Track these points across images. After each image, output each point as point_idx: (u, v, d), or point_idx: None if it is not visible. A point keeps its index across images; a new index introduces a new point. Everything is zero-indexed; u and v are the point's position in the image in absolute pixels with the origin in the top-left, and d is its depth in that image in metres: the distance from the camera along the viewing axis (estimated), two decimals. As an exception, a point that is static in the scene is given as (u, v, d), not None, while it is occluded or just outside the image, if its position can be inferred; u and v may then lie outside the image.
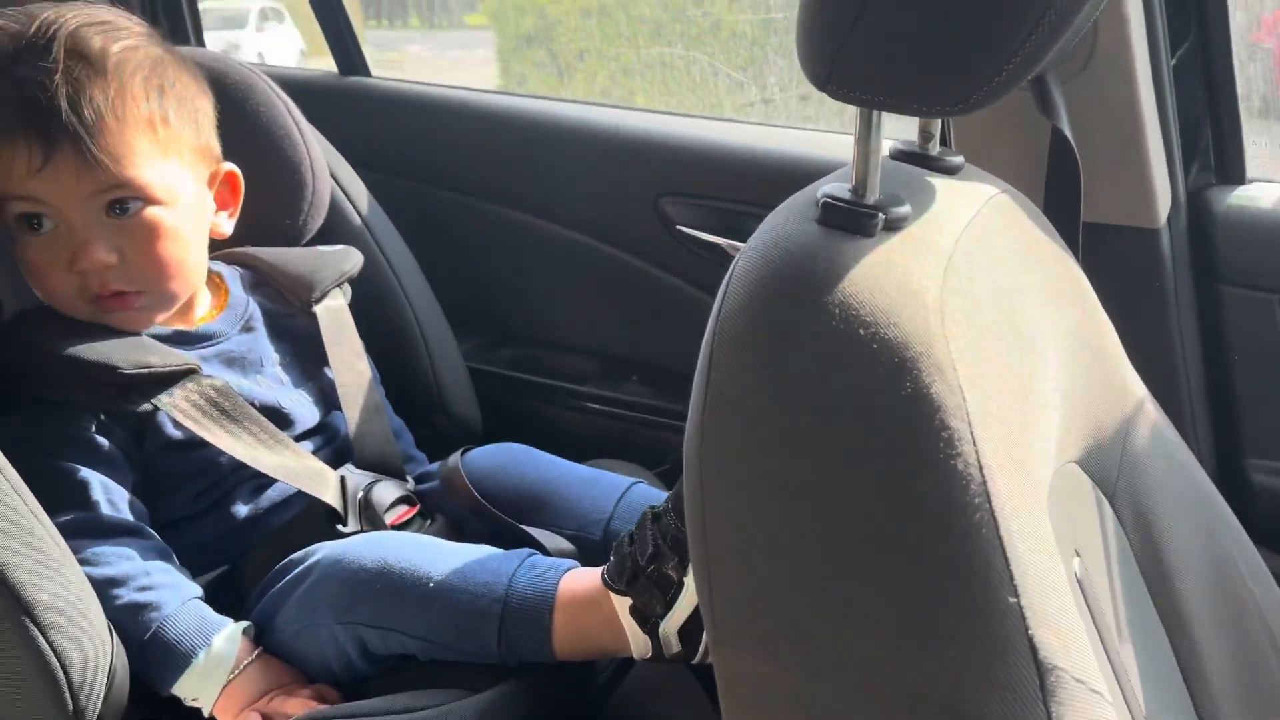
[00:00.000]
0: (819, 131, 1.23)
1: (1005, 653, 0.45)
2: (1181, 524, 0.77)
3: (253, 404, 0.92)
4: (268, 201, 1.07)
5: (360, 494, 0.94)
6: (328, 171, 1.12)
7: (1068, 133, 0.88)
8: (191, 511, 0.91)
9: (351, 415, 1.00)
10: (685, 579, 0.76)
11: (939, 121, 0.72)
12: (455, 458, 1.01)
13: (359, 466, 0.98)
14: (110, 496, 0.85)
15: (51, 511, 0.78)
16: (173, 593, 0.83)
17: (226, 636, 0.83)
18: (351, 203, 1.16)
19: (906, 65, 0.52)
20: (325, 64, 1.50)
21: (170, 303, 0.91)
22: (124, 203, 0.86)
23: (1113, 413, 0.78)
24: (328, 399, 1.00)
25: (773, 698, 0.51)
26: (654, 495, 0.95)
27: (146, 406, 0.86)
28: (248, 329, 0.98)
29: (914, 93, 0.53)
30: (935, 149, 0.72)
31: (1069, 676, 0.46)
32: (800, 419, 0.49)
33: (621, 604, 0.79)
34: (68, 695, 0.74)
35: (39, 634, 0.72)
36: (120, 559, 0.83)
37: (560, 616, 0.80)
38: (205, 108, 0.95)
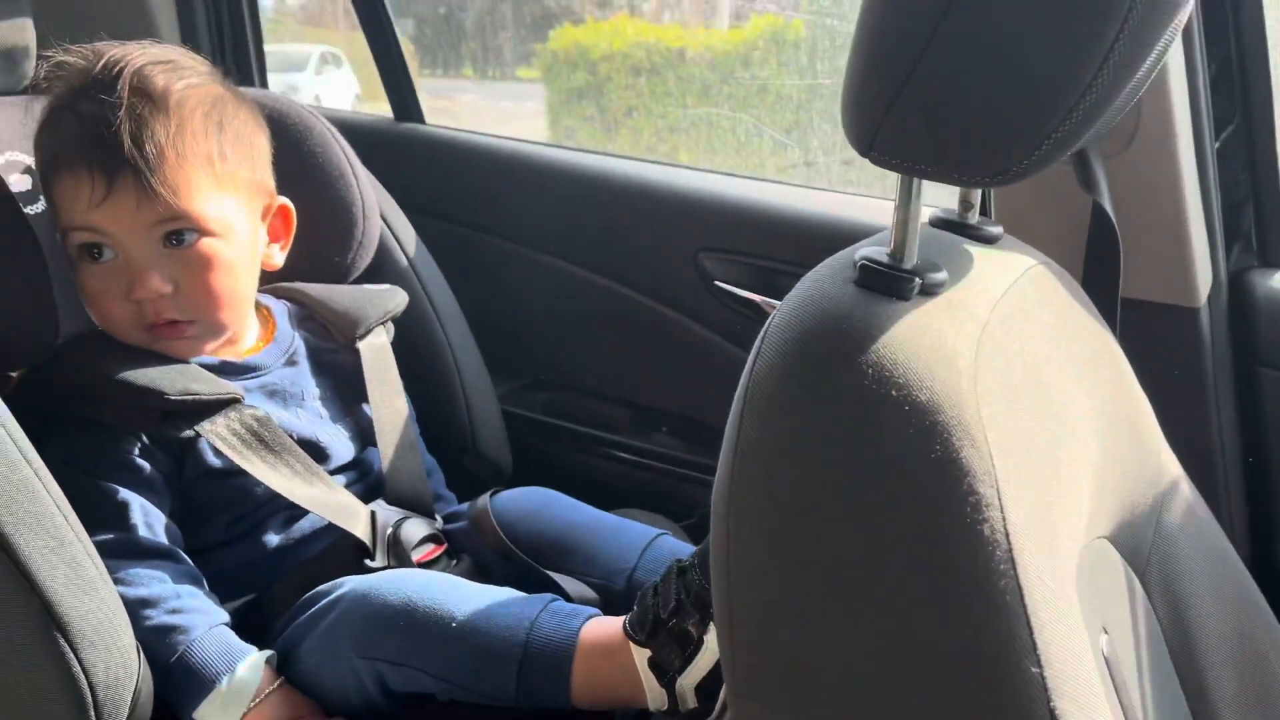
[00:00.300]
0: (860, 196, 1.25)
1: (1025, 724, 0.45)
2: (1212, 606, 0.76)
3: (291, 436, 0.93)
4: (319, 238, 1.10)
5: (389, 530, 0.95)
6: (378, 212, 1.15)
7: (1109, 208, 0.89)
8: (224, 539, 0.92)
9: (386, 452, 1.01)
10: (706, 636, 0.76)
11: (979, 191, 0.73)
12: (484, 499, 1.01)
13: (390, 502, 0.99)
14: (148, 519, 0.87)
15: (90, 530, 0.79)
16: (201, 617, 0.84)
17: (250, 664, 0.84)
18: (399, 244, 1.19)
19: (948, 135, 0.53)
20: (379, 108, 1.54)
21: (220, 332, 0.93)
22: (180, 234, 0.88)
23: (1146, 490, 0.77)
24: (364, 435, 1.02)
25: (788, 755, 0.51)
26: (679, 548, 0.96)
27: (189, 433, 0.88)
28: (291, 363, 1.00)
29: (954, 162, 0.54)
30: (974, 218, 0.73)
31: (1090, 752, 0.45)
32: (828, 478, 0.49)
33: (641, 655, 0.78)
34: (92, 713, 0.75)
35: (69, 649, 0.74)
36: (153, 581, 0.84)
37: (580, 664, 0.80)
38: (262, 144, 0.98)
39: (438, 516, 1.03)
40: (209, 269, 0.89)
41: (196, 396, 0.87)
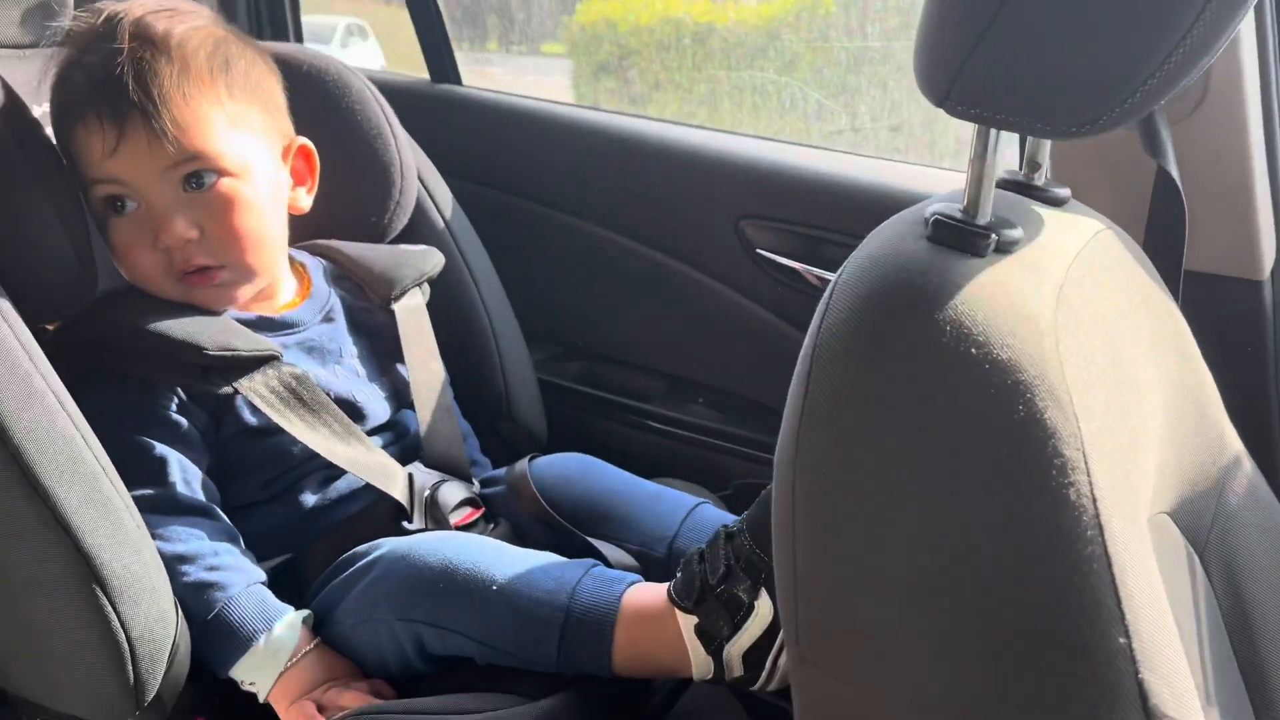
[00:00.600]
0: (907, 164, 1.22)
1: (1113, 696, 0.43)
2: (1271, 586, 0.74)
3: (328, 394, 0.92)
4: (356, 197, 1.08)
5: (427, 492, 0.94)
6: (415, 173, 1.13)
7: (1175, 175, 0.86)
8: (261, 498, 0.91)
9: (423, 414, 1.00)
10: (757, 602, 0.74)
11: (1047, 151, 0.70)
12: (523, 464, 1.00)
13: (426, 465, 0.97)
14: (186, 476, 0.86)
15: (128, 486, 0.79)
16: (239, 575, 0.83)
17: (287, 624, 0.83)
18: (436, 206, 1.17)
19: (1033, 83, 0.50)
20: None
21: (250, 276, 0.91)
22: (199, 176, 0.87)
23: (1208, 466, 0.75)
24: (400, 396, 1.00)
25: (853, 723, 0.49)
26: (720, 515, 0.94)
27: (227, 389, 0.86)
28: (328, 319, 0.99)
29: (1038, 112, 0.52)
30: (1042, 179, 0.70)
31: (1178, 726, 0.43)
32: (905, 435, 0.47)
33: (686, 622, 0.77)
34: (130, 667, 0.74)
35: (107, 603, 0.73)
36: (191, 537, 0.83)
37: (622, 630, 0.79)
38: (272, 85, 0.97)
39: (474, 481, 1.01)
40: (232, 210, 0.88)
41: (235, 352, 0.86)
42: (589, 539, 0.91)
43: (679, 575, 0.79)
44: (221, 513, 0.87)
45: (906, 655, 0.46)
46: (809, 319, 0.54)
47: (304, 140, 0.99)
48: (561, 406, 1.31)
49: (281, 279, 0.97)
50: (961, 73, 0.51)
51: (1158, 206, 0.90)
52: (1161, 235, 0.89)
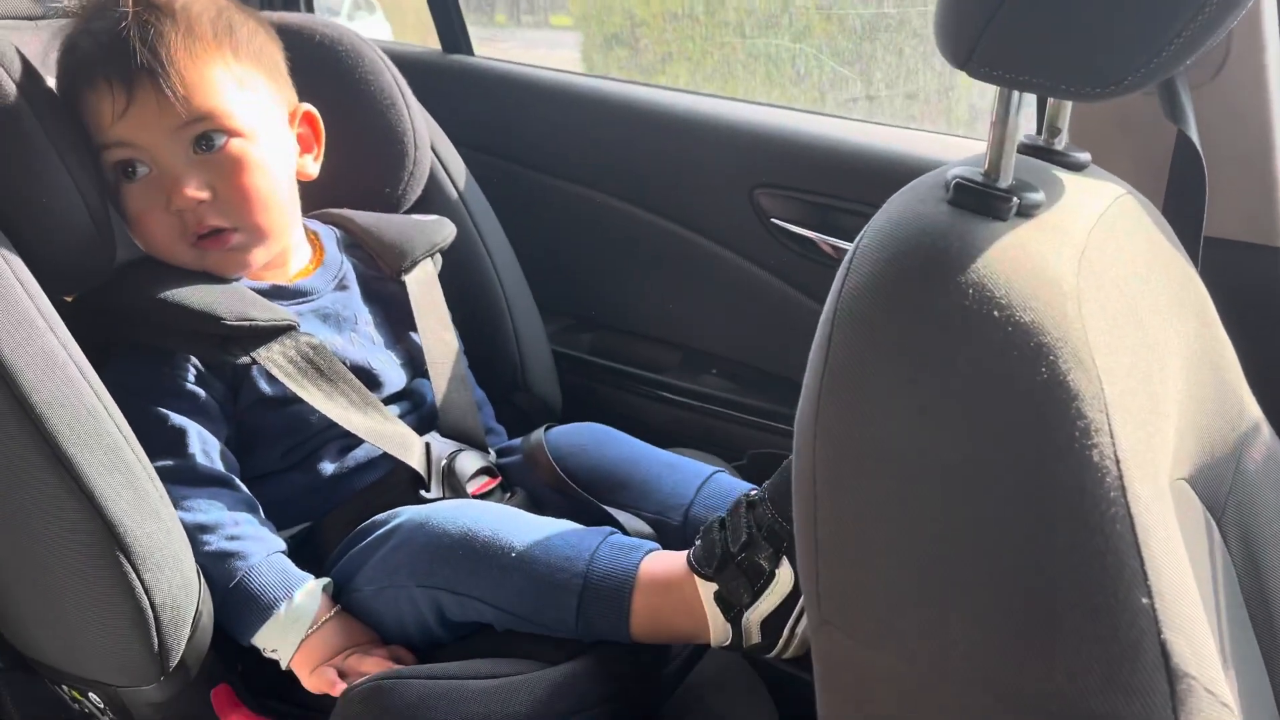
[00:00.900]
0: (923, 132, 1.21)
1: (1135, 656, 0.43)
2: (1290, 553, 0.74)
3: (344, 362, 0.92)
4: (370, 168, 1.08)
5: (444, 461, 0.94)
6: (429, 144, 1.13)
7: (1196, 140, 0.85)
8: (280, 466, 0.91)
9: (438, 384, 1.00)
10: (778, 570, 0.75)
11: (1067, 115, 0.70)
12: (539, 433, 1.00)
13: (443, 435, 0.98)
14: (205, 446, 0.86)
15: (148, 457, 0.79)
16: (258, 544, 0.84)
17: (307, 592, 0.84)
18: (450, 177, 1.17)
19: (1058, 42, 0.50)
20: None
21: (263, 239, 0.91)
22: (209, 137, 0.87)
23: (1227, 433, 0.75)
24: (415, 364, 1.01)
25: (872, 685, 0.49)
26: (735, 484, 0.94)
27: (244, 359, 0.87)
28: (342, 287, 0.99)
29: (1062, 73, 0.51)
30: (1062, 144, 0.70)
31: (1200, 686, 0.43)
32: (927, 397, 0.47)
33: (705, 589, 0.77)
34: (154, 634, 0.75)
35: (131, 570, 0.74)
36: (211, 507, 0.84)
37: (640, 597, 0.79)
38: (274, 51, 0.97)
39: (490, 450, 1.02)
40: (242, 170, 0.88)
41: (253, 322, 0.86)
42: (606, 507, 0.92)
43: (699, 543, 0.79)
44: (241, 483, 0.88)
45: (927, 617, 0.46)
46: (823, 288, 0.54)
47: (308, 106, 0.99)
48: (576, 377, 1.32)
49: (294, 246, 0.97)
50: (984, 35, 0.51)
51: (1178, 172, 0.89)
52: (1181, 201, 0.89)
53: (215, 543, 0.82)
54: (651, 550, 0.82)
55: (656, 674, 0.86)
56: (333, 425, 0.90)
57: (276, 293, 0.93)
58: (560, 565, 0.80)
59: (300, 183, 0.99)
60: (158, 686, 0.78)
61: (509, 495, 0.97)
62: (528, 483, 0.99)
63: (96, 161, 0.87)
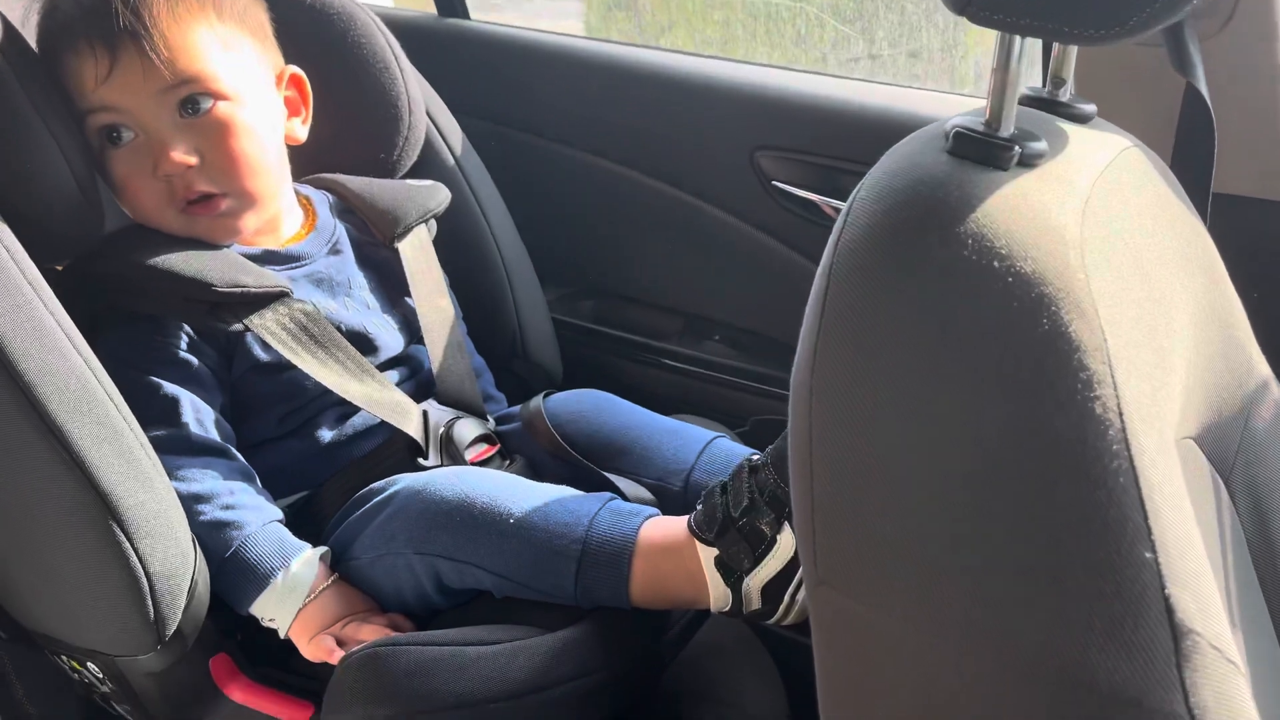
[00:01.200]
0: (927, 91, 1.18)
1: (1138, 612, 0.42)
2: (1300, 513, 0.73)
3: (339, 327, 0.91)
4: (363, 133, 1.06)
5: (442, 429, 0.93)
6: (424, 109, 1.11)
7: (1205, 93, 0.83)
8: (277, 433, 0.91)
9: (434, 351, 0.99)
10: (779, 536, 0.74)
11: (1072, 65, 0.68)
12: (537, 400, 0.99)
13: (441, 402, 0.97)
14: (199, 415, 0.85)
15: (141, 426, 0.78)
16: (254, 514, 0.83)
17: (304, 561, 0.83)
18: (446, 142, 1.15)
19: (1061, -17, 0.48)
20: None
21: (252, 204, 0.90)
22: (195, 101, 0.86)
23: (1235, 391, 0.73)
24: (412, 329, 1.00)
25: (870, 644, 0.48)
26: (737, 450, 0.93)
27: (237, 326, 0.86)
28: (335, 251, 0.98)
29: (1065, 15, 0.49)
30: (1066, 95, 0.68)
31: (1205, 643, 0.42)
32: (925, 350, 0.46)
33: (706, 554, 0.77)
34: (150, 603, 0.75)
35: (125, 540, 0.73)
36: (205, 477, 0.83)
37: (640, 562, 0.78)
38: (258, 12, 0.95)
39: (489, 417, 1.01)
40: (230, 134, 0.87)
41: (245, 289, 0.85)
42: (605, 474, 0.91)
43: (700, 507, 0.78)
44: (236, 452, 0.87)
45: (925, 574, 0.45)
46: (826, 252, 0.53)
47: (295, 69, 0.98)
48: (577, 345, 1.30)
49: (285, 211, 0.96)
50: (984, -25, 0.49)
51: (1185, 126, 0.87)
52: (1189, 156, 0.87)
53: (210, 512, 0.82)
54: (651, 516, 0.81)
55: (657, 640, 0.85)
56: (329, 392, 0.89)
57: (268, 258, 0.92)
58: (559, 531, 0.79)
59: (293, 148, 0.98)
60: (155, 656, 0.78)
61: (508, 463, 0.96)
62: (527, 450, 0.98)
63: (81, 127, 0.85)
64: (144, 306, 0.86)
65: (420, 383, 0.99)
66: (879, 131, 1.11)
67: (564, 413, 0.98)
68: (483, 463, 0.94)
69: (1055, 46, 0.67)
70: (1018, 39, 0.52)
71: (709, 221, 1.25)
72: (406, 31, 1.18)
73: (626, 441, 0.94)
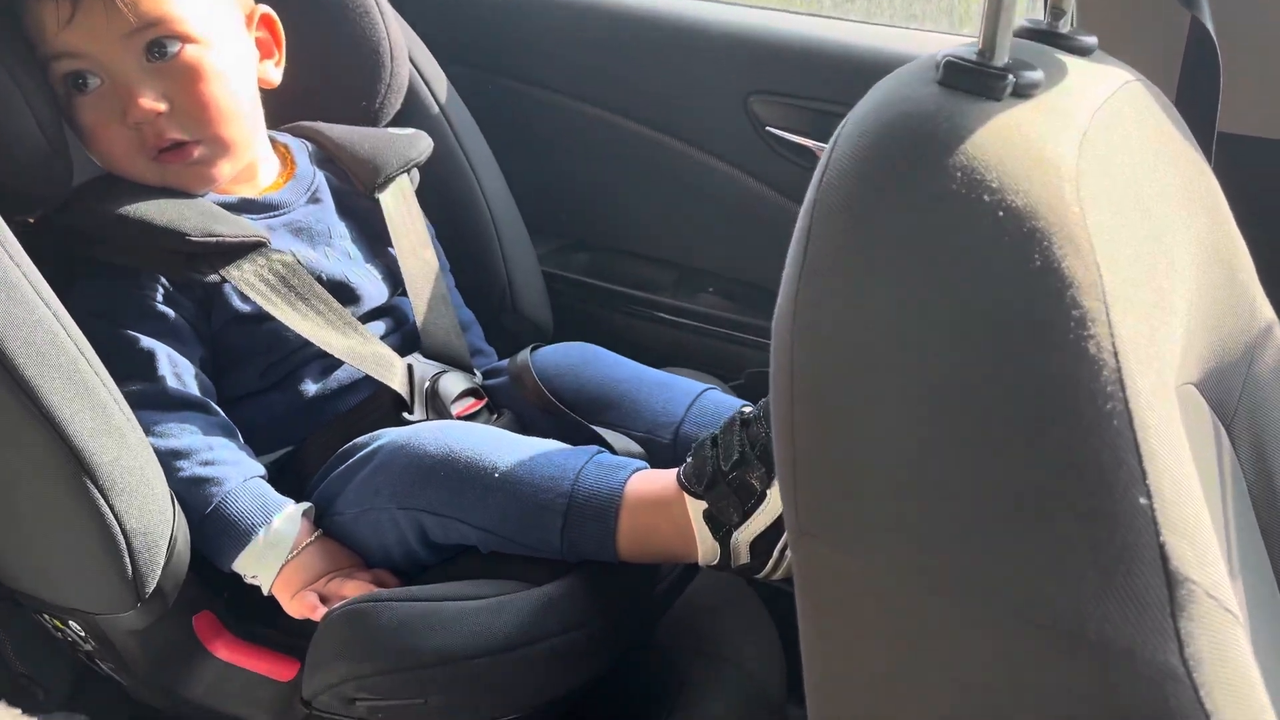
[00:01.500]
0: (925, 31, 1.15)
1: (1131, 560, 0.40)
2: (1302, 458, 0.71)
3: (320, 277, 0.89)
4: (343, 79, 1.03)
5: (427, 383, 0.91)
6: (406, 54, 1.08)
7: (1210, 28, 0.80)
8: (258, 387, 0.89)
9: (418, 305, 0.97)
10: (769, 490, 0.72)
11: (1073, -3, 0.65)
12: (525, 354, 0.97)
13: (426, 356, 0.95)
14: (176, 369, 0.84)
15: (117, 382, 0.77)
16: (235, 469, 0.82)
17: (286, 517, 0.82)
18: (430, 90, 1.12)
19: (1057, -103, 0.45)
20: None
21: (226, 151, 0.88)
22: (162, 44, 0.83)
23: (1238, 336, 0.71)
24: (395, 280, 0.97)
25: (854, 595, 0.46)
26: (728, 402, 0.91)
27: (214, 277, 0.84)
28: (314, 200, 0.95)
29: (1062, -67, 0.46)
30: (1067, 27, 0.65)
31: (1202, 591, 0.40)
32: (911, 289, 0.43)
33: (695, 507, 0.75)
34: (127, 560, 0.73)
35: (100, 496, 0.71)
36: (184, 432, 0.81)
37: (627, 516, 0.77)
38: None
39: (477, 372, 0.99)
40: (199, 79, 0.84)
41: (220, 238, 0.83)
42: (594, 427, 0.89)
43: (689, 460, 0.77)
44: (216, 407, 0.85)
45: (911, 523, 0.43)
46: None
47: (265, 9, 0.94)
48: (568, 299, 1.28)
49: (261, 159, 0.93)
50: (976, -110, 0.46)
51: (1190, 62, 0.84)
52: (1194, 93, 0.84)
53: (189, 468, 0.80)
54: (639, 469, 0.80)
55: (646, 593, 0.84)
56: (312, 343, 0.87)
57: (245, 206, 0.89)
58: (544, 485, 0.78)
59: (272, 96, 0.95)
60: (135, 614, 0.77)
61: (495, 417, 0.94)
62: (515, 404, 0.96)
63: (45, 75, 0.83)
64: (117, 258, 0.84)
65: (405, 336, 0.97)
66: (876, 74, 1.05)
67: (552, 366, 0.96)
68: (469, 417, 0.93)
69: (1054, -27, 0.64)
70: (1012, -38, 0.50)
71: (702, 170, 1.22)
72: (387, -26, 1.14)
73: (615, 395, 0.92)
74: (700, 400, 0.91)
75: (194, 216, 0.83)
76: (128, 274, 0.84)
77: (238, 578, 0.83)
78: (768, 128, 1.14)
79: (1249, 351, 0.72)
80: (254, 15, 0.93)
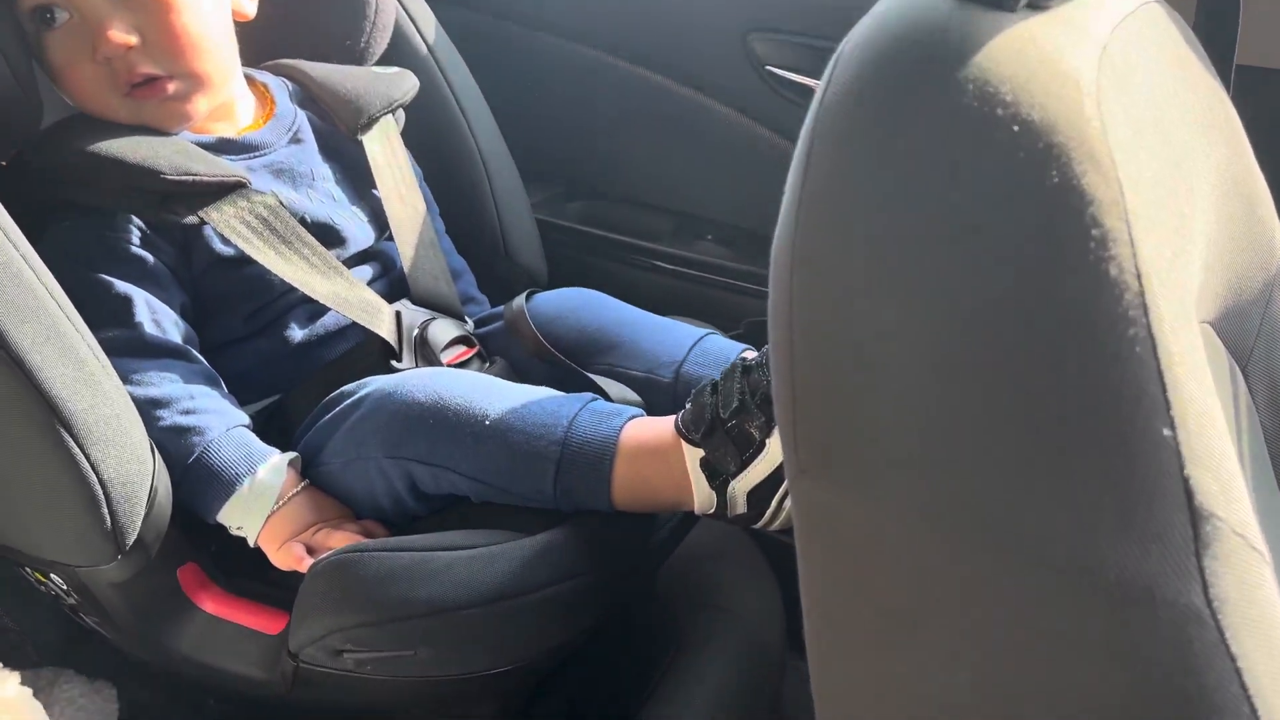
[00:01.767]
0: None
1: (1153, 495, 0.37)
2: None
3: (304, 219, 0.86)
4: (326, 16, 1.00)
5: (416, 330, 0.89)
6: (392, -10, 1.04)
7: (1231, -51, 0.76)
8: (243, 333, 0.86)
9: (404, 250, 0.94)
10: (769, 440, 0.70)
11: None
12: (520, 300, 0.95)
13: (415, 303, 0.92)
14: (155, 316, 0.81)
15: (93, 328, 0.74)
16: (217, 418, 0.79)
17: (272, 467, 0.79)
18: (417, 28, 1.08)
19: None
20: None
21: (201, 86, 0.84)
22: None
23: (1256, 272, 0.68)
24: (382, 223, 0.94)
25: (855, 537, 0.44)
26: (730, 345, 0.88)
27: (192, 219, 0.81)
28: (296, 141, 0.92)
29: None
30: (1083, -58, 0.61)
31: (1228, 528, 0.38)
32: (921, 212, 0.41)
33: (692, 455, 0.72)
34: (105, 511, 0.71)
35: (75, 446, 0.69)
36: (164, 381, 0.79)
37: (622, 464, 0.74)
38: None
39: (468, 319, 0.96)
40: (171, 10, 0.81)
41: (196, 177, 0.79)
42: (590, 375, 0.87)
43: (688, 406, 0.74)
44: (198, 354, 0.82)
45: (918, 460, 0.41)
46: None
47: None
48: (563, 248, 1.25)
49: (238, 97, 0.90)
50: None
51: (1210, -11, 0.80)
52: (1213, 22, 0.80)
53: (170, 418, 0.77)
54: (635, 416, 0.77)
55: (643, 543, 0.82)
56: (298, 288, 0.84)
57: (224, 146, 0.86)
58: (536, 433, 0.75)
59: (252, 34, 0.91)
60: (116, 566, 0.74)
61: (488, 365, 0.92)
62: (509, 352, 0.94)
63: (10, 10, 0.79)
64: (90, 199, 0.81)
65: (393, 281, 0.94)
66: (880, 9, 1.03)
67: (549, 311, 0.94)
68: (461, 365, 0.90)
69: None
70: None
71: (700, 112, 1.18)
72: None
73: (615, 337, 0.90)
74: (703, 343, 0.88)
75: (169, 154, 0.79)
76: (102, 216, 0.81)
77: (224, 529, 0.80)
78: (768, 67, 1.11)
79: (1267, 290, 0.69)
80: None
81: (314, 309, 0.87)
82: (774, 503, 0.72)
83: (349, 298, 0.86)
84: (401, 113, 0.99)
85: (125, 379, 0.76)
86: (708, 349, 0.87)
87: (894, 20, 0.46)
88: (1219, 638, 0.37)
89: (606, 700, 0.91)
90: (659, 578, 0.96)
